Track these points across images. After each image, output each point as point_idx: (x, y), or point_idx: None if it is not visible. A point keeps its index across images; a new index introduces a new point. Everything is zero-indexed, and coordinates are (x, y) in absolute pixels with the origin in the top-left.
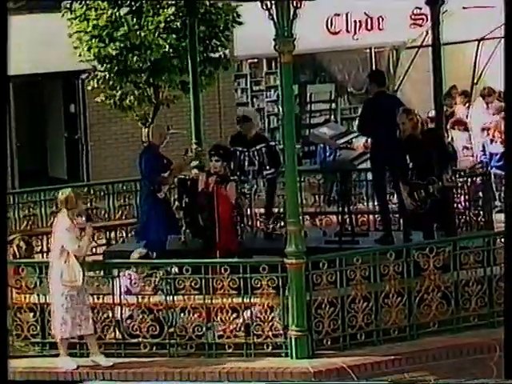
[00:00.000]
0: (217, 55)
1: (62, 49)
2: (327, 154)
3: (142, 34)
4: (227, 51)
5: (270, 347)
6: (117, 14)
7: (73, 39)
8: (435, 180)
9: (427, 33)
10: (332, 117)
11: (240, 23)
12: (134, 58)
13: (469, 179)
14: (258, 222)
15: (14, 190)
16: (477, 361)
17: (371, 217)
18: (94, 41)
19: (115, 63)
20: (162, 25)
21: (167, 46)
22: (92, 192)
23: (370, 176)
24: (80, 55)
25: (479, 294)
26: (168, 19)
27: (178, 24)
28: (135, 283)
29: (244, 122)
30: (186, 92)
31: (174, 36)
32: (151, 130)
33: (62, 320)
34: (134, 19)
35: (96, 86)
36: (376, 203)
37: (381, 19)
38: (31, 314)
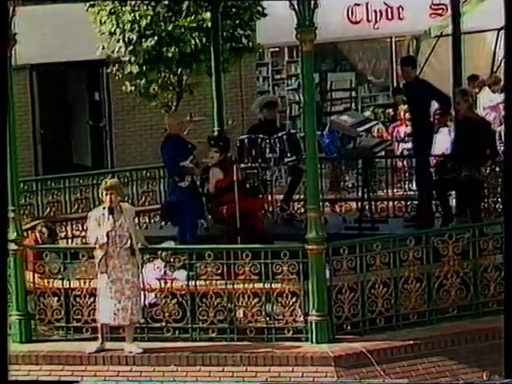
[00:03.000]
0: (240, 45)
1: (87, 37)
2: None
3: (175, 31)
4: (250, 40)
5: (291, 332)
6: (152, 11)
7: (102, 31)
8: (471, 168)
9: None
10: (352, 105)
11: (265, 15)
12: (165, 52)
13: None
14: (279, 209)
15: (37, 177)
16: (495, 346)
17: (391, 203)
18: (127, 35)
19: (146, 56)
20: (195, 24)
21: (197, 41)
22: (116, 179)
23: (389, 163)
24: (103, 48)
25: (498, 280)
26: (200, 22)
27: (209, 24)
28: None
29: (270, 106)
30: (210, 76)
31: (203, 34)
32: (168, 120)
33: (100, 306)
34: (169, 17)
35: (122, 76)
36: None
37: (401, 9)
38: (55, 299)
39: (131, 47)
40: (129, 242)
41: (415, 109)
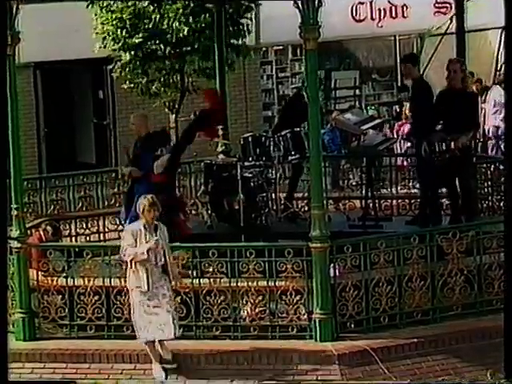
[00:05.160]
0: (237, 43)
1: (91, 36)
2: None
3: (164, 22)
4: (246, 40)
5: (295, 330)
6: (139, 6)
7: (98, 29)
8: (459, 137)
9: (451, 20)
10: (356, 103)
11: (251, 9)
12: (158, 45)
13: (491, 165)
14: (283, 207)
15: (41, 175)
16: (499, 344)
17: (394, 202)
18: (118, 31)
19: (140, 51)
20: (181, 11)
21: (186, 29)
22: (120, 177)
23: (393, 161)
24: (105, 46)
25: (502, 278)
26: (185, 5)
27: (196, 9)
28: None
29: None
30: (210, 78)
31: (191, 19)
32: (134, 121)
33: (140, 325)
34: (155, 9)
35: (121, 74)
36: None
37: (405, 7)
38: (59, 297)
39: (122, 44)
40: (163, 259)
41: (415, 106)
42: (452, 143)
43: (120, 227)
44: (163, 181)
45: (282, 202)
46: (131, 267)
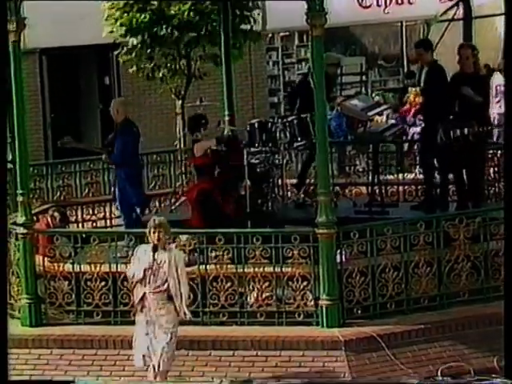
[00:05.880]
0: (246, 27)
1: (97, 21)
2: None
3: (171, 6)
4: (255, 24)
5: (302, 316)
6: None
7: (105, 14)
8: (473, 124)
9: (458, 6)
10: (362, 89)
11: None
12: (163, 28)
13: (498, 151)
14: (289, 193)
15: (48, 161)
16: None
17: (401, 188)
18: (124, 15)
19: (146, 35)
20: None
21: (192, 12)
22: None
23: (400, 147)
24: (111, 31)
25: None
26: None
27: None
28: None
29: (334, 64)
30: (217, 65)
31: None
32: (116, 106)
33: (135, 347)
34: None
35: (128, 58)
36: (422, 172)
37: None
38: (66, 283)
39: (128, 27)
40: (165, 285)
41: (427, 92)
42: (466, 130)
43: None
44: (204, 163)
45: (289, 188)
46: (135, 288)
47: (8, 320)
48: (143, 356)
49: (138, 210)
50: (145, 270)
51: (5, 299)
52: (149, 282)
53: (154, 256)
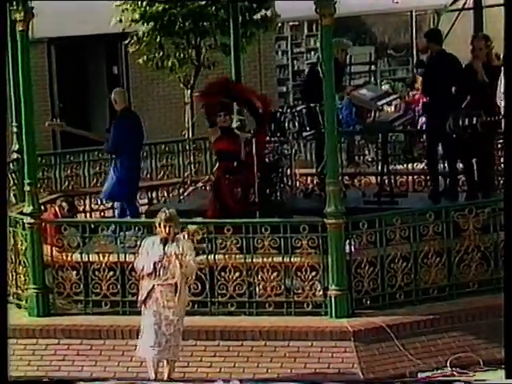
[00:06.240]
0: (258, 16)
1: (106, 11)
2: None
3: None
4: (269, 11)
5: (310, 306)
6: None
7: (115, 3)
8: (481, 113)
9: None
10: (371, 79)
11: None
12: (174, 18)
13: None
14: (298, 183)
15: (56, 151)
16: None
17: (410, 178)
18: (137, 3)
19: (158, 24)
20: None
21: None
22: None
23: (409, 137)
24: (121, 20)
25: None
26: None
27: None
28: None
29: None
30: (227, 54)
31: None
32: (115, 96)
33: (141, 339)
34: None
35: (137, 48)
36: (426, 162)
37: None
38: (74, 273)
39: (138, 15)
40: (174, 278)
41: (441, 80)
42: (475, 119)
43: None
44: (227, 148)
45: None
46: (142, 280)
47: (8, 317)
48: (150, 348)
49: (125, 205)
50: (154, 263)
51: (4, 297)
52: (158, 275)
53: (164, 249)
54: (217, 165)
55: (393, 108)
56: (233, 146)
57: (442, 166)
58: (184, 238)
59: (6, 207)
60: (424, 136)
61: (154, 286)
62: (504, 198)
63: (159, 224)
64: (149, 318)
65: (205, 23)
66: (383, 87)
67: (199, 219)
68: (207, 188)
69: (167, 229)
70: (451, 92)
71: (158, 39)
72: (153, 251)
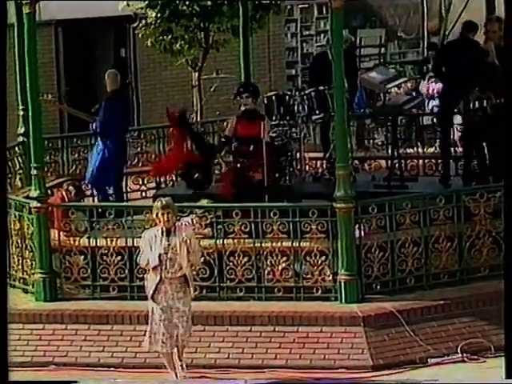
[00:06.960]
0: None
1: None
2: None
3: None
4: None
5: (320, 291)
6: None
7: None
8: (492, 96)
9: None
10: (381, 61)
11: None
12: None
13: None
14: (307, 166)
15: (63, 134)
16: None
17: (420, 161)
18: None
19: (167, 8)
20: None
21: None
22: (142, 136)
23: (420, 121)
24: (128, 5)
25: None
26: None
27: None
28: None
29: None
30: (236, 36)
31: None
32: (108, 77)
33: (151, 333)
34: None
35: (146, 31)
36: (439, 145)
37: None
38: (81, 257)
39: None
40: (182, 268)
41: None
42: (485, 102)
43: (143, 187)
44: (248, 134)
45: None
46: (148, 274)
47: (7, 320)
48: (161, 341)
49: (110, 190)
50: (160, 256)
51: (5, 297)
52: (165, 268)
53: (168, 240)
54: (225, 149)
55: (403, 91)
56: (255, 130)
57: (452, 149)
58: (192, 222)
59: (5, 191)
60: (435, 119)
61: (161, 279)
62: (504, 187)
63: (156, 214)
64: (159, 313)
65: (214, 4)
66: (393, 70)
67: (206, 202)
68: (215, 171)
69: (165, 216)
70: (466, 76)
71: (166, 24)
72: (156, 244)
